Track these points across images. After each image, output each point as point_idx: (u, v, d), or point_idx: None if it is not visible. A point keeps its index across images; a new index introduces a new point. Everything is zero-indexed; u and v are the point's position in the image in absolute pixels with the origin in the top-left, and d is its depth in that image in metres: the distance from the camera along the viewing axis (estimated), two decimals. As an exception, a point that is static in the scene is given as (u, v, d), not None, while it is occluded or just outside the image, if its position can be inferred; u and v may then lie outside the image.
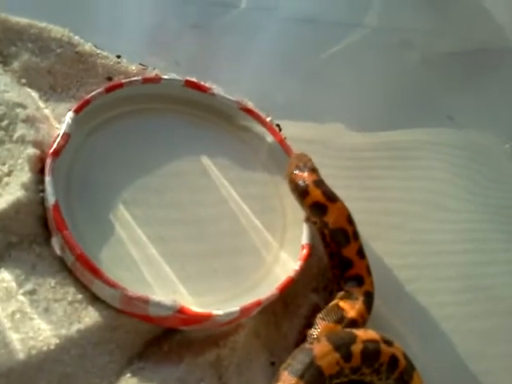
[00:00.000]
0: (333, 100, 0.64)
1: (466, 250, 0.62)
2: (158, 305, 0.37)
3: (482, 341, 0.55)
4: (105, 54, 0.51)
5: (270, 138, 0.53)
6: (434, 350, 0.53)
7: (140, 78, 0.48)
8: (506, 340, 0.56)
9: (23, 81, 0.46)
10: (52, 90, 0.47)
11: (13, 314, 0.34)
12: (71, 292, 0.37)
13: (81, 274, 0.37)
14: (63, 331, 0.35)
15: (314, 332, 0.43)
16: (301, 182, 0.47)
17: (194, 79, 0.52)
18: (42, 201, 0.39)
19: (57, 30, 0.49)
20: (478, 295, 0.58)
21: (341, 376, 0.39)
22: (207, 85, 0.52)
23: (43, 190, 0.39)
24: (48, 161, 0.39)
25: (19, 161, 0.40)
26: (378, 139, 0.65)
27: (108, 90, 0.45)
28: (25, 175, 0.39)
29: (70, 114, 0.42)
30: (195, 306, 0.40)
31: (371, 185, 0.62)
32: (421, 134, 0.67)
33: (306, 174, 0.47)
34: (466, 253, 0.61)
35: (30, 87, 0.46)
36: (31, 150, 0.40)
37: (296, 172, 0.47)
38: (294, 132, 0.59)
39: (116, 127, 0.46)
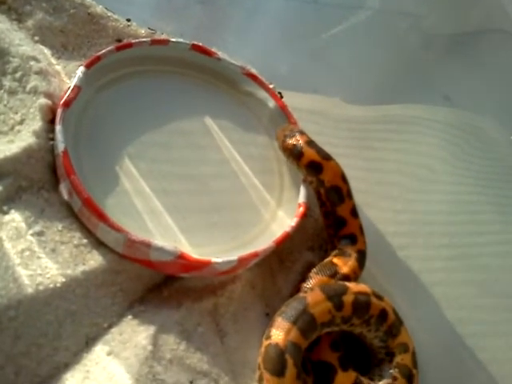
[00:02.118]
0: (333, 75, 0.66)
1: (457, 220, 0.63)
2: (160, 249, 0.39)
3: (469, 306, 0.56)
4: (115, 16, 0.52)
5: (271, 103, 0.54)
6: (423, 313, 0.55)
7: (149, 39, 0.49)
8: (491, 307, 0.58)
9: (36, 38, 0.47)
10: (64, 49, 0.49)
11: (22, 251, 0.36)
12: (77, 236, 0.39)
13: (87, 219, 0.39)
14: (69, 271, 0.37)
15: (308, 285, 0.45)
16: (294, 145, 0.48)
17: (199, 44, 0.54)
18: (52, 149, 0.41)
19: (70, -9, 0.50)
20: (466, 263, 0.59)
21: (332, 325, 0.41)
22: (213, 50, 0.53)
23: (53, 139, 0.41)
24: (59, 111, 0.41)
25: (31, 110, 0.41)
26: (376, 112, 0.66)
27: (118, 49, 0.47)
28: (36, 123, 0.40)
29: (81, 69, 0.44)
30: (194, 255, 0.42)
31: (368, 155, 0.63)
32: (418, 110, 0.69)
33: (297, 137, 0.49)
34: (457, 223, 0.63)
35: (43, 44, 0.48)
36: (43, 100, 0.41)
37: (287, 139, 0.49)
38: (295, 101, 0.60)
39: (124, 85, 0.48)
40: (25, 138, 0.40)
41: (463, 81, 0.73)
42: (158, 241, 0.41)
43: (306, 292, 0.42)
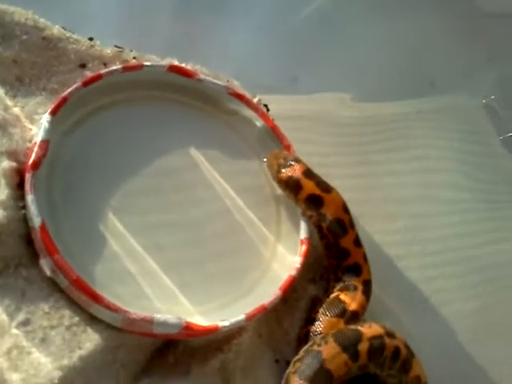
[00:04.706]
0: (318, 76, 0.62)
1: (450, 222, 0.62)
2: (164, 324, 0.35)
3: (470, 311, 0.56)
4: (75, 37, 0.46)
5: (259, 123, 0.50)
6: (425, 323, 0.55)
7: (120, 66, 0.43)
8: (490, 307, 0.58)
9: (-15, 74, 0.41)
10: (19, 83, 0.43)
11: (9, 351, 0.32)
12: (67, 315, 0.35)
13: (77, 297, 0.35)
14: (65, 361, 0.33)
15: (318, 328, 0.43)
16: (290, 177, 0.45)
17: (176, 63, 0.48)
18: (24, 218, 0.36)
19: (20, 13, 0.43)
20: (463, 267, 0.59)
21: (348, 375, 0.39)
22: (192, 69, 0.48)
23: (24, 207, 0.36)
24: (27, 176, 0.35)
25: (-7, 173, 0.36)
26: (364, 113, 0.63)
27: (86, 84, 0.41)
28: (2, 192, 0.35)
29: (46, 117, 0.38)
30: (198, 316, 0.39)
31: (359, 160, 0.60)
32: (405, 106, 0.66)
33: (293, 168, 0.45)
34: (450, 225, 0.62)
35: (-6, 81, 0.41)
36: (6, 164, 0.36)
37: (282, 170, 0.45)
38: (280, 109, 0.57)
39: (96, 123, 0.43)
40: (-9, 211, 0.34)
41: (446, 63, 0.70)
42: (157, 306, 0.38)
43: (319, 341, 0.40)
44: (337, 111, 0.61)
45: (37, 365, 0.32)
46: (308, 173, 0.45)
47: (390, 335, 0.41)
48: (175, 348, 0.39)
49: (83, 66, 0.45)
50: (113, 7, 0.51)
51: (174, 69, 0.46)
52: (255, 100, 0.53)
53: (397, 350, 0.41)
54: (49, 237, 0.34)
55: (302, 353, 0.39)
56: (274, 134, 0.49)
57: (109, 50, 0.47)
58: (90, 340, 0.35)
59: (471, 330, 0.54)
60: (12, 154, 0.37)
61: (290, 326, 0.44)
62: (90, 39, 0.47)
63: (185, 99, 0.48)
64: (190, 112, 0.48)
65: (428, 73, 0.71)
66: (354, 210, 0.52)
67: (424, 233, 0.59)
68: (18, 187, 0.36)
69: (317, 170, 0.56)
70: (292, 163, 0.46)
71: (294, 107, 0.60)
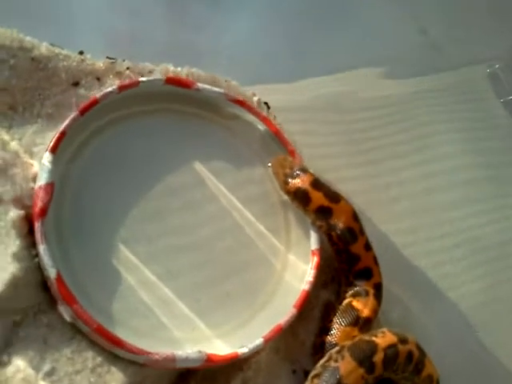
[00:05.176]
0: (312, 63, 0.59)
1: (454, 202, 0.62)
2: (186, 360, 0.36)
3: (477, 292, 0.58)
4: (65, 52, 0.43)
5: (262, 127, 0.48)
6: (434, 310, 0.56)
7: (115, 87, 0.41)
8: (496, 286, 0.59)
9: (-25, 108, 0.39)
10: (13, 111, 0.40)
11: (39, 405, 0.33)
12: (90, 357, 0.36)
13: (99, 340, 0.35)
14: (94, 406, 0.34)
15: (333, 339, 0.44)
16: (298, 188, 0.44)
17: (172, 68, 0.47)
18: (38, 266, 0.35)
19: (3, 34, 0.40)
20: (468, 249, 0.60)
21: (364, 387, 0.41)
22: (188, 73, 0.46)
23: (36, 255, 0.35)
24: (37, 225, 0.35)
25: (1, 223, 0.35)
26: (363, 96, 0.61)
27: (83, 112, 0.39)
28: (13, 243, 0.34)
29: (48, 157, 0.37)
30: (216, 339, 0.40)
31: (365, 148, 0.59)
32: (405, 87, 0.64)
33: (300, 179, 0.44)
34: (455, 207, 0.62)
35: (-14, 114, 0.39)
36: (14, 213, 0.35)
37: (289, 180, 0.44)
38: (281, 102, 0.55)
39: (94, 149, 0.41)
40: (4, 264, 0.34)
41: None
42: (176, 335, 0.39)
43: (333, 354, 0.41)
44: (332, 100, 0.59)
45: (67, 415, 0.33)
46: (316, 183, 0.45)
47: (403, 341, 0.43)
48: (196, 373, 0.40)
49: (76, 84, 0.43)
50: (100, 16, 0.48)
51: (171, 81, 0.44)
52: (255, 99, 0.51)
53: (410, 355, 0.43)
54: (65, 287, 0.34)
55: (319, 368, 0.41)
56: (277, 139, 0.48)
57: (101, 63, 0.44)
58: (115, 380, 0.36)
59: (479, 312, 0.56)
60: (18, 201, 0.36)
61: (305, 335, 0.45)
62: (81, 53, 0.44)
63: (184, 108, 0.46)
64: (191, 121, 0.46)
65: (430, 40, 0.68)
66: (359, 200, 0.52)
67: (429, 216, 0.60)
68: (29, 234, 0.36)
69: (319, 162, 0.55)
70: (299, 173, 0.45)
71: (293, 98, 0.58)
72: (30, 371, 0.33)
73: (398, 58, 0.63)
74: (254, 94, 0.51)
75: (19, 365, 0.33)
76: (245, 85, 0.52)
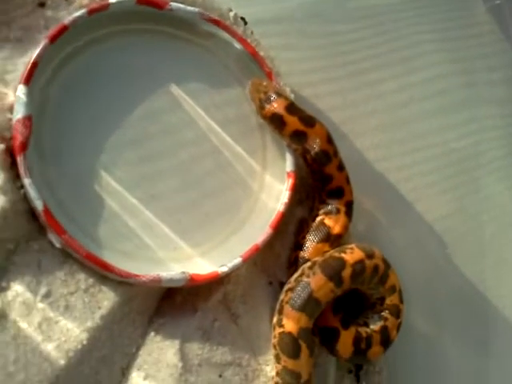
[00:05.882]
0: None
1: (429, 112, 0.63)
2: (171, 280, 0.39)
3: (444, 206, 0.61)
4: (27, -31, 0.40)
5: (238, 46, 0.47)
6: (402, 222, 0.60)
7: (85, 11, 0.40)
8: (465, 197, 0.63)
9: None
10: (-21, 37, 0.39)
11: (39, 324, 0.36)
12: (82, 279, 0.38)
13: (89, 265, 0.38)
14: (89, 323, 0.37)
15: (306, 254, 0.47)
16: (273, 113, 0.45)
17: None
18: (24, 196, 0.37)
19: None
20: (439, 162, 0.62)
21: (333, 299, 0.45)
22: (162, -2, 0.43)
23: (22, 186, 0.36)
24: (19, 159, 0.35)
25: (-17, 158, 0.36)
26: (345, 7, 0.59)
27: (53, 40, 0.38)
28: (-3, 177, 0.35)
29: (22, 89, 0.36)
30: (197, 258, 0.43)
31: (346, 61, 0.58)
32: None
33: (275, 104, 0.45)
34: (429, 118, 0.63)
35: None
36: (-5, 147, 0.35)
37: (265, 105, 0.45)
38: (257, 14, 0.53)
39: (67, 74, 0.41)
40: (-9, 198, 0.35)
41: None
42: (159, 255, 0.42)
43: (305, 270, 0.45)
44: (312, 9, 0.57)
45: (66, 331, 0.36)
46: (291, 108, 0.45)
47: (370, 256, 0.46)
48: (181, 289, 0.43)
49: (42, 4, 0.41)
50: None
51: (142, 1, 0.42)
52: (231, 14, 0.50)
53: (376, 268, 0.47)
54: (53, 217, 0.36)
55: (293, 282, 0.44)
56: (254, 60, 0.47)
57: (67, -21, 0.42)
58: (107, 298, 0.39)
59: (445, 223, 0.60)
60: (-4, 134, 0.36)
61: (280, 249, 0.49)
62: (44, -31, 0.41)
63: (157, 28, 0.45)
64: (165, 41, 0.45)
65: None
66: (336, 115, 0.53)
67: (404, 130, 0.61)
68: (12, 167, 0.36)
69: (298, 78, 0.55)
70: (274, 97, 0.45)
71: (272, 8, 0.56)
72: (28, 294, 0.36)
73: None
74: (231, 10, 0.49)
75: (17, 289, 0.36)
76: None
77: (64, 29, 0.39)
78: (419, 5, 0.63)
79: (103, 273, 0.38)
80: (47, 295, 0.37)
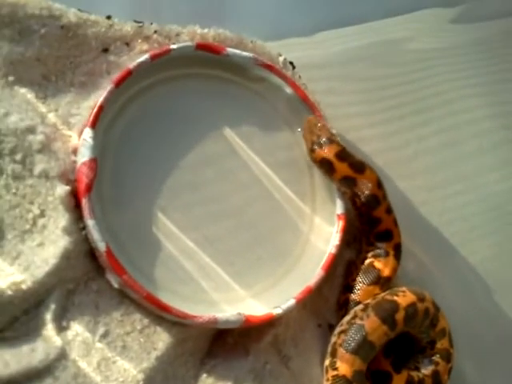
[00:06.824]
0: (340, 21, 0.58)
1: (468, 156, 0.63)
2: (226, 322, 0.39)
3: (487, 249, 0.60)
4: (93, 18, 0.42)
5: (289, 90, 0.48)
6: (446, 264, 0.59)
7: (148, 56, 0.41)
8: (506, 241, 0.62)
9: (11, 78, 0.39)
10: (46, 81, 0.41)
11: (98, 365, 0.36)
12: (138, 319, 0.38)
13: (148, 306, 0.38)
14: (144, 364, 0.37)
15: (356, 297, 0.47)
16: (324, 158, 0.45)
17: (199, 30, 0.46)
18: (86, 238, 0.37)
19: (32, 3, 0.39)
20: (480, 206, 0.62)
21: (387, 342, 0.44)
22: (219, 44, 0.45)
23: (84, 227, 0.37)
24: (84, 201, 0.36)
25: (49, 199, 0.36)
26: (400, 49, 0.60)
27: (118, 85, 0.40)
28: (62, 217, 0.36)
29: (89, 133, 0.38)
30: (249, 299, 0.43)
31: (385, 106, 0.59)
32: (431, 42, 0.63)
33: (326, 149, 0.45)
34: (468, 162, 0.63)
35: (21, 84, 0.39)
36: (61, 189, 0.36)
37: (316, 149, 0.46)
38: (301, 57, 0.55)
39: (128, 118, 0.42)
40: (55, 238, 0.36)
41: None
42: (214, 297, 0.42)
43: (358, 312, 0.44)
44: (367, 53, 0.59)
45: (123, 372, 0.36)
46: (341, 154, 0.45)
47: (421, 300, 0.46)
48: (233, 330, 0.43)
49: (106, 50, 0.43)
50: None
51: (201, 47, 0.44)
52: (281, 59, 0.51)
53: (427, 311, 0.46)
54: (115, 259, 0.36)
55: (345, 324, 0.44)
56: (304, 103, 0.48)
57: (129, 27, 0.44)
58: (162, 339, 0.39)
59: (488, 266, 0.59)
60: (63, 176, 0.37)
61: (329, 292, 0.48)
62: (108, 18, 0.43)
63: (213, 72, 0.46)
64: (220, 85, 0.47)
65: None
66: (379, 159, 0.54)
67: (444, 173, 0.61)
68: (75, 208, 0.37)
69: (342, 122, 0.56)
70: (325, 142, 0.46)
71: (315, 53, 0.57)
72: (87, 334, 0.36)
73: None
74: (280, 54, 0.51)
75: (77, 329, 0.36)
76: (268, 40, 0.51)
77: (128, 73, 0.40)
78: (458, 52, 0.64)
79: (160, 313, 0.38)
80: (105, 335, 0.37)
